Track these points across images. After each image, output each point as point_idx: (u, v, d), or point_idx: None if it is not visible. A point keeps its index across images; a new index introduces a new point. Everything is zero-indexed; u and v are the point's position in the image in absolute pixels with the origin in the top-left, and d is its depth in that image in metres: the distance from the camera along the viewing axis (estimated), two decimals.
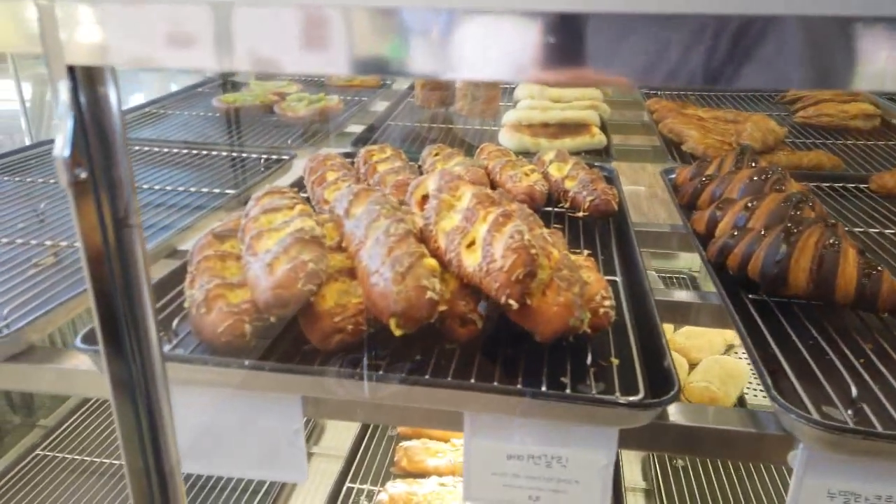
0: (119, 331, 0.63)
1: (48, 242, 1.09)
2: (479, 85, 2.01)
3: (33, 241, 1.09)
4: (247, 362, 0.72)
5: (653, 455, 1.66)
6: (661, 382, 0.71)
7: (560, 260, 0.80)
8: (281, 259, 0.78)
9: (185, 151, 1.67)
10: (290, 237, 0.81)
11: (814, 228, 0.89)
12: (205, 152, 1.66)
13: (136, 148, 1.67)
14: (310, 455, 1.76)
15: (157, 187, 1.40)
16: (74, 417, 1.82)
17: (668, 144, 1.73)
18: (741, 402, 1.89)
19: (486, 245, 0.78)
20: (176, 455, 0.70)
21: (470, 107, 1.99)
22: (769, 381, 0.70)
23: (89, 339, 0.75)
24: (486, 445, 0.74)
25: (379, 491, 1.51)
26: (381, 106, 2.18)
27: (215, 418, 0.78)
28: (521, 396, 0.68)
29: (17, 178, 1.41)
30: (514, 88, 2.17)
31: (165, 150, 1.68)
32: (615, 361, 0.77)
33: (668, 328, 2.17)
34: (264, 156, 1.62)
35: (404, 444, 1.65)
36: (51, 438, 1.73)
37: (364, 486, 1.60)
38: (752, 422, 0.71)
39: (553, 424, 0.71)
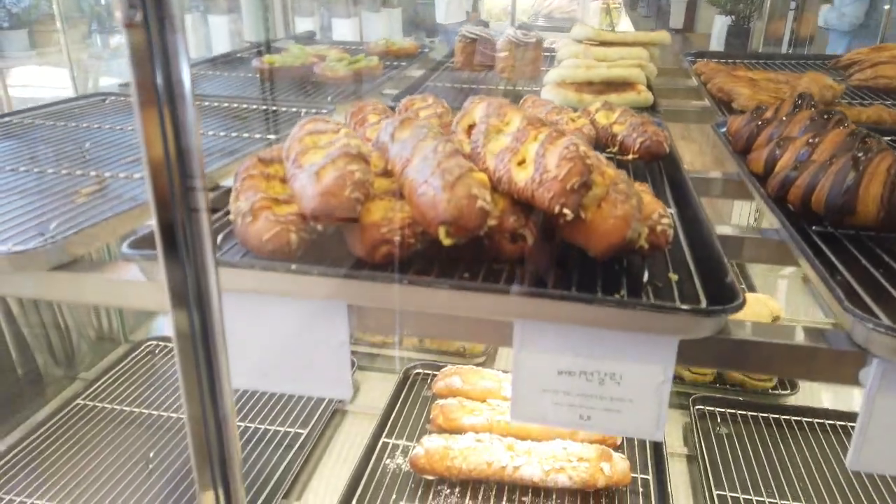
0: (174, 231, 0.62)
1: (93, 173, 1.09)
2: (521, 46, 1.97)
3: (78, 172, 1.10)
4: (293, 266, 0.70)
5: (695, 422, 1.62)
6: (724, 298, 0.67)
7: (615, 176, 0.77)
8: (328, 168, 0.76)
9: (225, 105, 1.66)
10: (338, 150, 0.79)
11: (885, 154, 0.84)
12: (244, 106, 1.66)
13: None
14: (344, 413, 1.75)
15: (207, 133, 1.39)
16: (115, 370, 1.84)
17: (718, 104, 1.67)
18: None
19: (538, 158, 0.75)
20: (227, 364, 0.68)
21: (512, 68, 1.95)
22: (841, 294, 0.66)
23: (135, 246, 0.74)
24: (535, 360, 0.71)
25: (414, 446, 1.49)
26: (418, 73, 2.15)
27: (261, 331, 0.76)
28: (575, 302, 0.65)
29: (61, 123, 1.42)
30: (555, 53, 2.13)
31: (206, 103, 1.68)
32: (674, 277, 0.73)
33: None
34: (304, 109, 1.61)
35: (440, 401, 1.62)
36: (91, 389, 1.75)
37: (399, 442, 1.58)
38: (822, 338, 0.67)
39: (608, 338, 0.68)
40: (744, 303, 0.64)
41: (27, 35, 4.83)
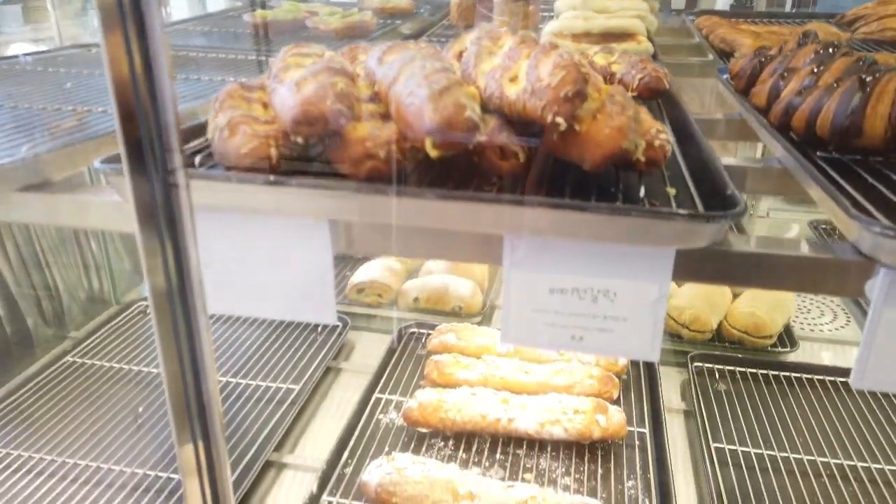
0: (142, 145, 0.59)
1: (69, 108, 1.05)
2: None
3: (56, 107, 1.06)
4: (271, 177, 0.67)
5: (693, 378, 1.59)
6: (724, 208, 0.64)
7: (612, 90, 0.73)
8: (309, 80, 0.72)
9: (212, 55, 1.62)
10: (321, 65, 0.76)
11: (893, 73, 0.80)
12: (233, 56, 1.61)
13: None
14: (338, 370, 1.73)
15: (191, 77, 1.36)
16: (105, 329, 1.81)
17: (720, 55, 1.63)
18: (788, 332, 1.80)
19: (530, 70, 0.72)
20: (202, 292, 0.65)
21: (508, 21, 1.90)
22: (846, 203, 0.63)
23: (108, 161, 0.71)
24: (526, 278, 0.68)
25: (408, 400, 1.47)
26: (412, 28, 2.11)
27: (240, 251, 0.73)
28: (567, 210, 0.62)
29: (41, 69, 1.38)
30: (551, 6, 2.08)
31: (194, 53, 1.63)
32: (671, 191, 0.70)
33: None
34: None
35: (434, 357, 1.60)
36: (81, 347, 1.73)
37: (393, 397, 1.56)
38: (827, 249, 0.64)
39: (601, 252, 0.65)
40: (745, 209, 0.61)
41: (21, 11, 4.76)
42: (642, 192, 0.71)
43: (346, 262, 2.21)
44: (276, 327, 1.84)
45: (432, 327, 1.77)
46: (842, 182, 0.74)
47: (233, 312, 0.75)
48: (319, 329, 1.83)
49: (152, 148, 0.59)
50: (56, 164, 0.78)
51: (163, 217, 0.62)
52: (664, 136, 0.73)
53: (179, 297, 0.64)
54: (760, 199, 2.69)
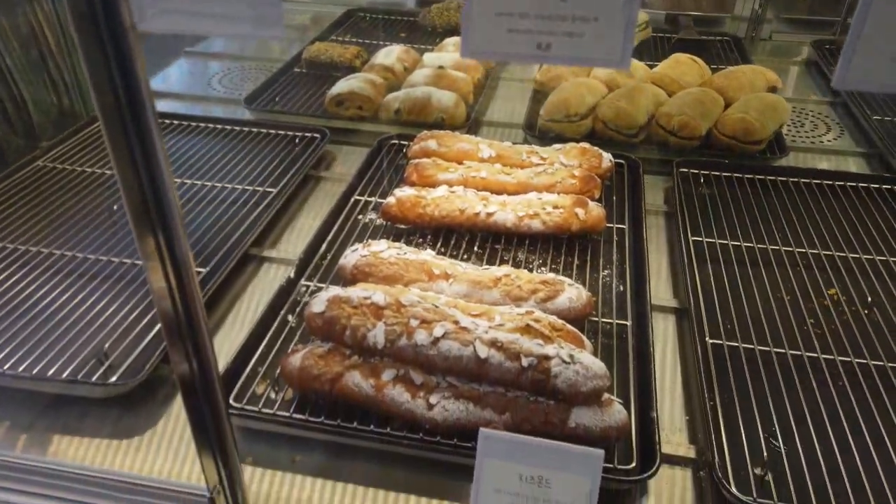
0: None
1: None
2: None
3: None
4: None
5: (678, 183, 1.56)
6: None
7: None
8: None
9: None
10: None
11: None
12: None
13: None
14: (318, 178, 1.70)
15: None
16: (75, 138, 1.76)
17: None
18: (778, 139, 1.76)
19: None
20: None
21: None
22: None
23: None
24: None
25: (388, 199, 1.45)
26: None
27: None
28: None
29: None
30: None
31: None
32: None
33: (705, 68, 2.00)
34: None
35: (414, 161, 1.56)
36: (52, 153, 1.68)
37: (372, 199, 1.54)
38: None
39: None
40: None
41: None
42: None
43: (324, 78, 2.12)
44: (253, 138, 1.79)
45: (413, 138, 1.72)
46: None
47: (171, 30, 0.70)
48: (297, 140, 1.78)
49: None
50: None
51: None
52: None
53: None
54: (762, 22, 2.56)
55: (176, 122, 1.85)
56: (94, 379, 1.04)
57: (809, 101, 2.09)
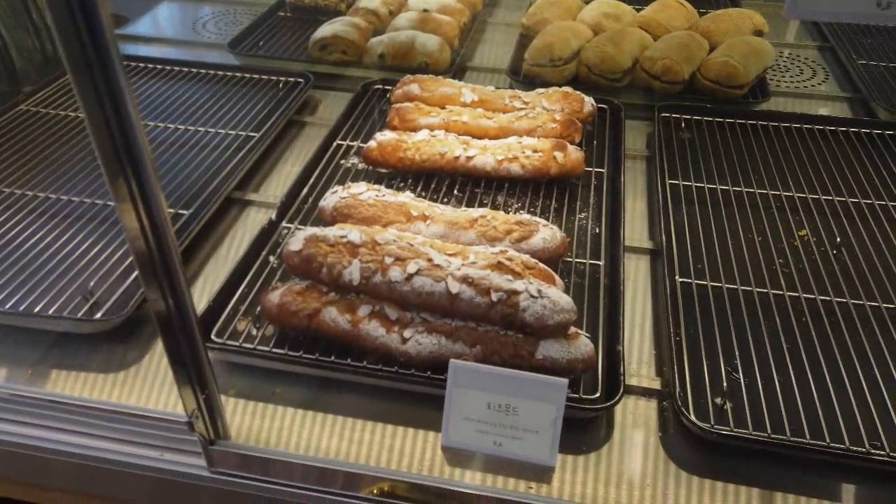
0: None
1: None
2: None
3: None
4: None
5: (659, 128, 1.57)
6: None
7: None
8: None
9: None
10: None
11: None
12: None
13: None
14: (301, 124, 1.71)
15: None
16: (58, 83, 1.76)
17: None
18: (761, 84, 1.76)
19: None
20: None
21: None
22: None
23: None
24: None
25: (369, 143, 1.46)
26: None
27: None
28: None
29: None
30: None
31: None
32: None
33: (693, 12, 1.98)
34: None
35: (396, 105, 1.56)
36: (34, 97, 1.68)
37: (354, 143, 1.55)
38: None
39: None
40: None
41: None
42: None
43: (309, 22, 2.10)
44: (237, 82, 1.79)
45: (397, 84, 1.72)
46: None
47: None
48: (281, 84, 1.77)
49: None
50: None
51: None
52: None
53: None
54: None
55: (160, 66, 1.84)
56: (79, 315, 1.08)
57: (798, 46, 2.08)
